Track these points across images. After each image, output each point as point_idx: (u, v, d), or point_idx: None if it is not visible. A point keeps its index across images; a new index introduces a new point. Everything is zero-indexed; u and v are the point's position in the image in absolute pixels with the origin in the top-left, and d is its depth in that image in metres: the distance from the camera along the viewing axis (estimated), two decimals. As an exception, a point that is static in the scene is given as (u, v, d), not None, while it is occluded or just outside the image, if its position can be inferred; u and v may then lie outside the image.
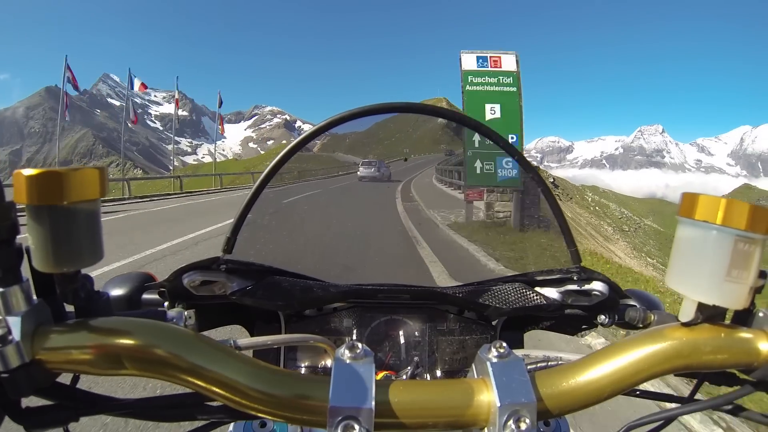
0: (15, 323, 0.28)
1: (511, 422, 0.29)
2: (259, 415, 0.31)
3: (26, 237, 0.28)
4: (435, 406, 0.31)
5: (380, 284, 0.61)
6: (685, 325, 0.33)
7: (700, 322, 0.33)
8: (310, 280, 0.61)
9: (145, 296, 0.54)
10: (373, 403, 0.29)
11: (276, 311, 0.62)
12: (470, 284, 0.61)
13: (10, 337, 0.27)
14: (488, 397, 0.31)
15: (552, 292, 0.57)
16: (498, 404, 0.29)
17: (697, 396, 0.41)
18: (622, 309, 0.53)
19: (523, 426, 0.29)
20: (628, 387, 0.33)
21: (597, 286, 0.53)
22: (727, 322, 0.34)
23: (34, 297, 0.30)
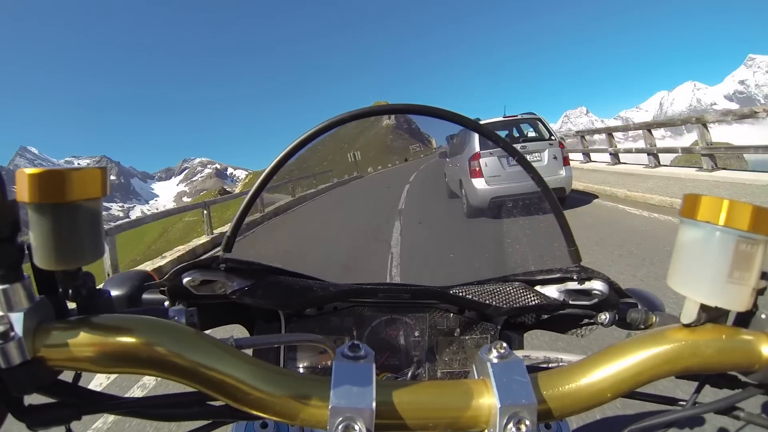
0: (17, 320, 0.28)
1: (511, 424, 0.29)
2: (260, 414, 0.31)
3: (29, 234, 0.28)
4: (435, 407, 0.31)
5: (380, 283, 0.61)
6: (687, 326, 0.33)
7: (702, 324, 0.33)
8: (310, 280, 0.61)
9: (145, 296, 0.54)
10: (374, 403, 0.29)
11: (276, 311, 0.62)
12: (470, 284, 0.61)
13: (12, 334, 0.27)
14: (488, 398, 0.31)
15: (552, 291, 0.57)
16: (498, 405, 0.29)
17: (699, 399, 0.41)
18: (623, 308, 0.53)
19: (523, 428, 0.29)
20: (629, 389, 0.33)
21: (597, 285, 0.53)
22: (729, 324, 0.34)
23: (36, 294, 0.30)
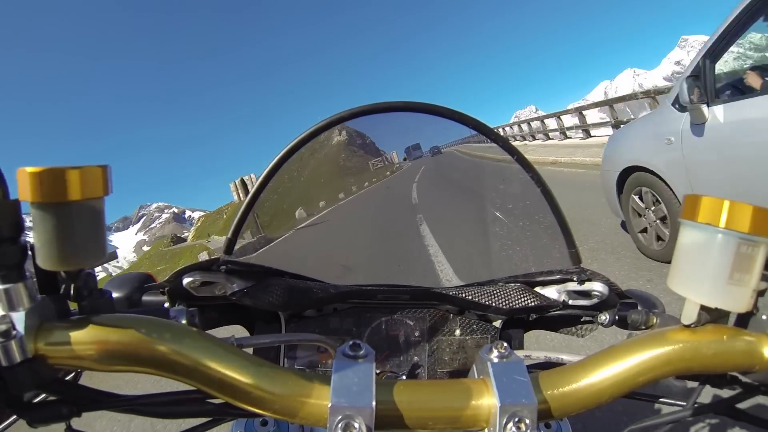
0: (19, 319, 0.28)
1: (511, 424, 0.29)
2: (260, 413, 0.31)
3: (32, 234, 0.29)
4: (435, 406, 0.31)
5: (380, 284, 0.61)
6: (687, 327, 0.33)
7: (702, 325, 0.33)
8: (310, 281, 0.61)
9: (146, 297, 0.54)
10: (374, 402, 0.29)
11: (276, 312, 0.62)
12: (470, 284, 0.61)
13: (14, 333, 0.27)
14: (488, 397, 0.31)
15: (552, 292, 0.57)
16: (498, 405, 0.29)
17: (699, 399, 0.41)
18: (622, 309, 0.53)
19: (523, 427, 0.29)
20: (629, 389, 0.33)
21: (597, 286, 0.53)
22: (730, 325, 0.34)
23: (38, 294, 0.30)
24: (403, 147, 0.91)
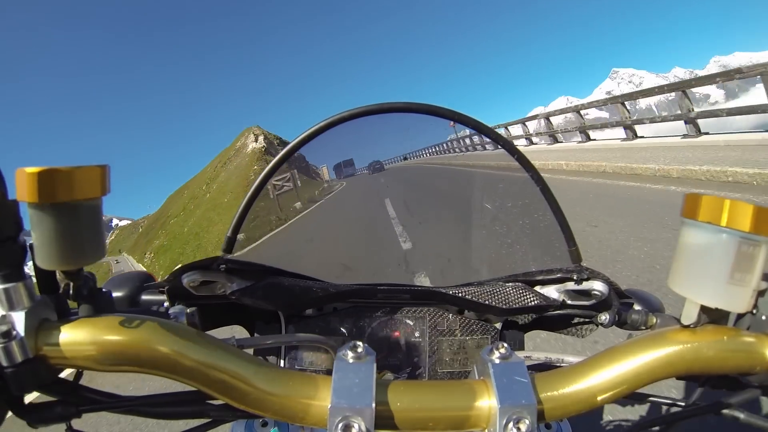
0: (19, 319, 0.28)
1: (511, 424, 0.29)
2: (260, 413, 0.31)
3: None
4: (435, 407, 0.31)
5: (380, 284, 0.61)
6: (687, 328, 0.33)
7: (702, 325, 0.33)
8: (310, 280, 0.61)
9: (145, 296, 0.54)
10: (374, 403, 0.29)
11: (276, 311, 0.62)
12: (470, 284, 0.61)
13: (14, 333, 0.27)
14: (488, 398, 0.31)
15: (552, 292, 0.57)
16: (498, 406, 0.29)
17: (699, 400, 0.41)
18: (623, 309, 0.53)
19: (523, 428, 0.29)
20: (630, 390, 0.33)
21: (597, 285, 0.53)
22: (730, 325, 0.34)
23: (38, 294, 0.30)
24: (403, 148, 0.78)
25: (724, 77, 6.92)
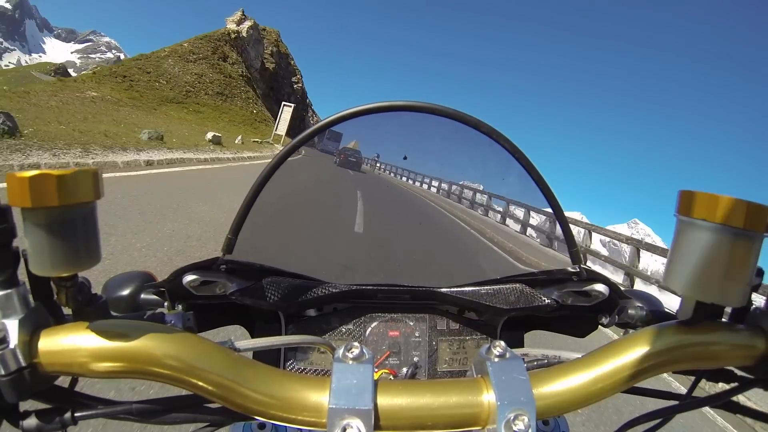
0: (12, 326, 0.27)
1: (510, 422, 0.29)
2: (258, 416, 0.31)
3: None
4: (434, 406, 0.31)
5: (380, 284, 0.61)
6: (683, 323, 0.34)
7: (698, 320, 0.33)
8: (310, 280, 0.61)
9: (145, 296, 0.54)
10: (373, 404, 0.29)
11: (276, 311, 0.62)
12: (470, 284, 0.61)
13: (8, 340, 0.27)
14: (487, 397, 0.31)
15: (552, 293, 0.57)
16: (497, 404, 0.30)
17: (696, 393, 0.41)
18: (622, 309, 0.54)
19: (522, 426, 0.29)
20: (627, 385, 0.33)
21: (597, 286, 0.53)
22: (725, 320, 0.34)
23: (32, 300, 0.30)
24: (402, 148, 0.79)
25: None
